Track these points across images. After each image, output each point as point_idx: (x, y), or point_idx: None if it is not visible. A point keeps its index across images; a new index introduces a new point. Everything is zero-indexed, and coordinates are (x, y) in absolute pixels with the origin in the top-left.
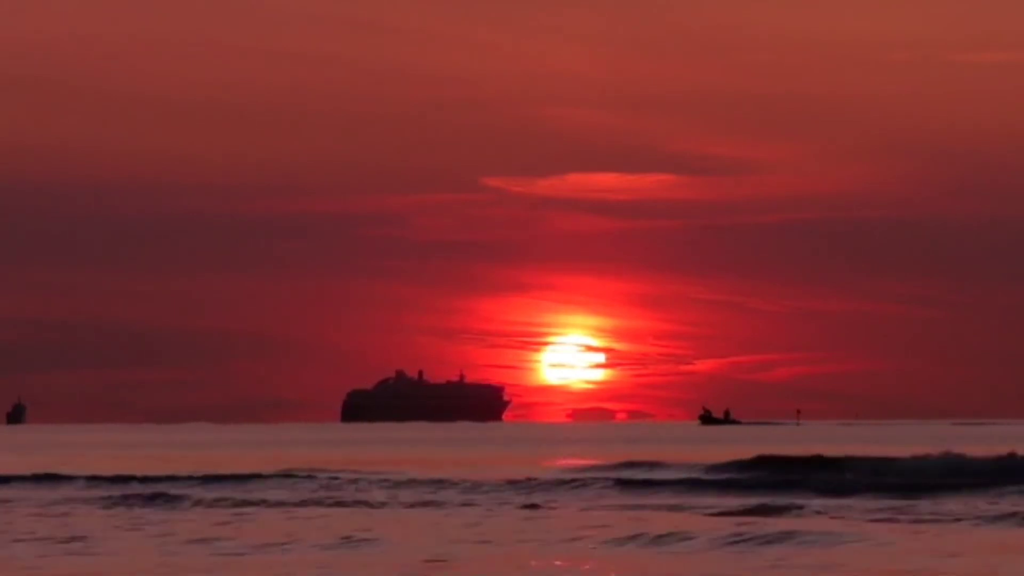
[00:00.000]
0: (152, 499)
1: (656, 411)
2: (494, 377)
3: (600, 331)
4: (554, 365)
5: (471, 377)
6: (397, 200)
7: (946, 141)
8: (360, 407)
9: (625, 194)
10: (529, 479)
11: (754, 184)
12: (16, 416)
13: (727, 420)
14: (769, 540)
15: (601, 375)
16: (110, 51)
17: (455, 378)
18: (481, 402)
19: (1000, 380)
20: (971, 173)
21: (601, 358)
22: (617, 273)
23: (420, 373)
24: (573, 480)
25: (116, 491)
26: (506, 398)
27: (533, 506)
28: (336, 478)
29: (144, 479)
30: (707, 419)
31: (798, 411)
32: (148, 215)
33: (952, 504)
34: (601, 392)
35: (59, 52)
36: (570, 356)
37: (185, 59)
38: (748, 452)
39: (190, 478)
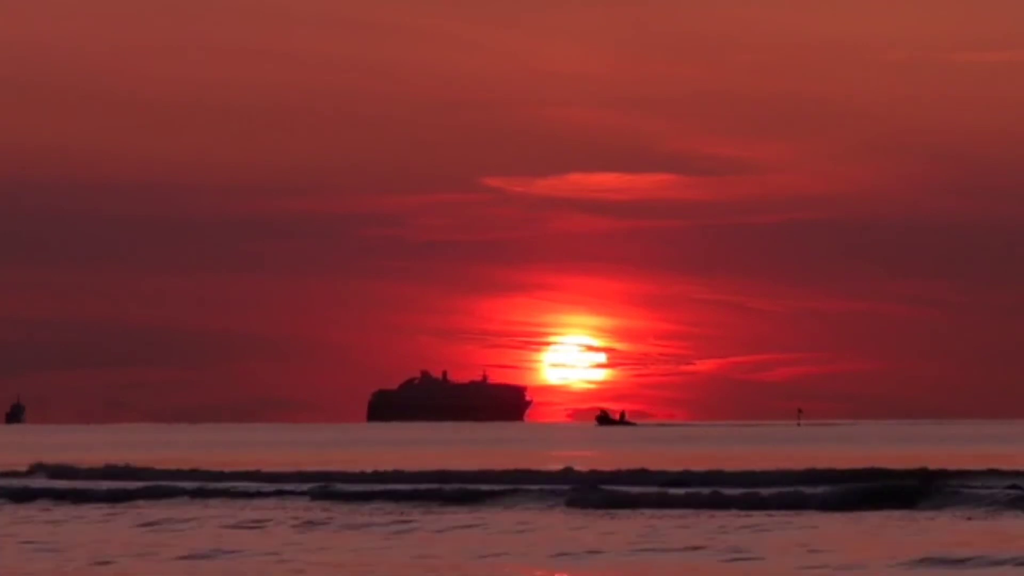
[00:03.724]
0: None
1: (656, 411)
2: (494, 377)
3: (601, 331)
4: (555, 365)
5: (471, 377)
6: (397, 200)
7: (946, 141)
8: (386, 407)
9: (625, 194)
10: None
11: (754, 184)
12: (15, 416)
13: (622, 422)
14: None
15: (602, 375)
16: (110, 52)
17: (478, 378)
18: (504, 402)
19: (1000, 380)
20: (971, 173)
21: (602, 358)
22: (617, 273)
23: (444, 373)
24: None
25: None
26: (527, 398)
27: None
28: None
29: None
30: (603, 420)
31: (799, 410)
32: (148, 215)
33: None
34: (602, 392)
35: (58, 53)
36: (571, 356)
37: (185, 60)
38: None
39: None
